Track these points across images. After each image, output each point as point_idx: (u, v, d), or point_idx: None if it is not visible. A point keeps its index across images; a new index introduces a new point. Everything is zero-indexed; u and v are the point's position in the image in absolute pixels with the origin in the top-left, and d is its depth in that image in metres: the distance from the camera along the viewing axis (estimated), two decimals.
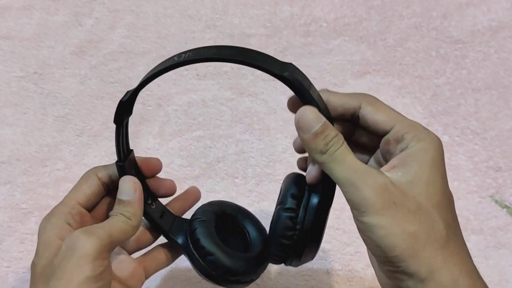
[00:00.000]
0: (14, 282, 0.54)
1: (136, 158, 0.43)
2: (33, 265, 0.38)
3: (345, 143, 0.35)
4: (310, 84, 0.36)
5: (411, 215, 0.33)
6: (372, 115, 0.36)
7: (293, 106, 0.37)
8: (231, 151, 0.62)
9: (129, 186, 0.39)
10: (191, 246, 0.43)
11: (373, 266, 0.39)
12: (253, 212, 0.59)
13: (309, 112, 0.34)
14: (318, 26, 0.71)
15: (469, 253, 0.35)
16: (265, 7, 0.72)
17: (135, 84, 0.37)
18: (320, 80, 0.67)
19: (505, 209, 0.58)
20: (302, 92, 0.35)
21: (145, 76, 0.38)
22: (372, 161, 0.39)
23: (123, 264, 0.42)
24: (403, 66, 0.68)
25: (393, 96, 0.66)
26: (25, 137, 0.62)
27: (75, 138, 0.62)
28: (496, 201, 0.58)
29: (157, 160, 0.44)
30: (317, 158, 0.34)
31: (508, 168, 0.60)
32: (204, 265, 0.42)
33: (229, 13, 0.72)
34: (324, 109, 0.36)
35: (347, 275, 0.54)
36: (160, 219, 0.43)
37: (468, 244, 0.55)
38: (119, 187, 0.40)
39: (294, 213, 0.39)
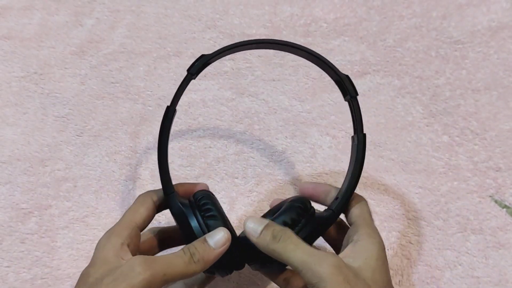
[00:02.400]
0: (14, 282, 0.54)
1: (181, 186, 0.47)
2: (87, 274, 0.39)
3: (294, 234, 0.41)
4: None
5: None
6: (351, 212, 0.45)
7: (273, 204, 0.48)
8: (231, 151, 0.62)
9: (221, 239, 0.42)
10: (195, 203, 0.44)
11: None
12: (253, 212, 0.59)
13: (250, 220, 0.42)
14: (318, 26, 0.71)
15: None
16: (265, 7, 0.72)
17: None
18: (319, 80, 0.67)
19: (504, 209, 0.58)
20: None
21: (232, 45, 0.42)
22: None
23: None
24: (403, 66, 0.68)
25: (393, 96, 0.66)
26: (26, 137, 0.62)
27: (75, 138, 0.63)
28: (496, 201, 0.58)
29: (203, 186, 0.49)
30: (271, 248, 0.40)
31: (507, 168, 0.61)
32: (204, 225, 0.43)
33: (229, 13, 0.72)
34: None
35: None
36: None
37: (468, 244, 0.56)
38: (214, 231, 0.42)
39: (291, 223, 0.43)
